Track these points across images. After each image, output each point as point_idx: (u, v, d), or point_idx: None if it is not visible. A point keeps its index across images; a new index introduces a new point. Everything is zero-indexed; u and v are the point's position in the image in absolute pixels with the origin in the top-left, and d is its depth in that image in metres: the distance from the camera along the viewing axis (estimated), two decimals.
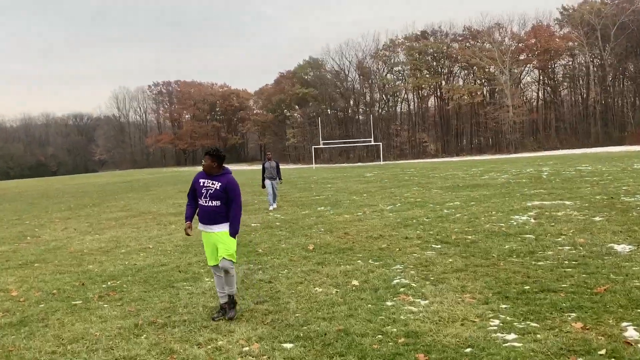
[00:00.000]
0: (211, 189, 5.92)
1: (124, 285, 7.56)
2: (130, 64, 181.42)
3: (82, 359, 4.84)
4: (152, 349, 4.98)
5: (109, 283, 7.79)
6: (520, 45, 73.77)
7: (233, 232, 5.94)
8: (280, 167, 17.31)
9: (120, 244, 11.45)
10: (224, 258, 5.85)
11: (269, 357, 4.59)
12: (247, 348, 4.84)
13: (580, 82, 75.15)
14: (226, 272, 5.92)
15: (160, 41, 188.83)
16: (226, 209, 5.96)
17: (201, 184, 6.02)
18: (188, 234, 6.23)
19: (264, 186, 16.53)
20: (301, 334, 5.09)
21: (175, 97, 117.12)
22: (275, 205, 16.24)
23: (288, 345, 4.84)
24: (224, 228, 5.93)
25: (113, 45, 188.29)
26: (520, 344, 4.51)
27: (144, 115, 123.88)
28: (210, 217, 5.93)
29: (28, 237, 13.58)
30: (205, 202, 5.95)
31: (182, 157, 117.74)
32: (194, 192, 6.15)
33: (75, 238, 12.87)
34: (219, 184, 5.94)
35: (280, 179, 16.77)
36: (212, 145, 6.71)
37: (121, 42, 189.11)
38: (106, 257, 9.89)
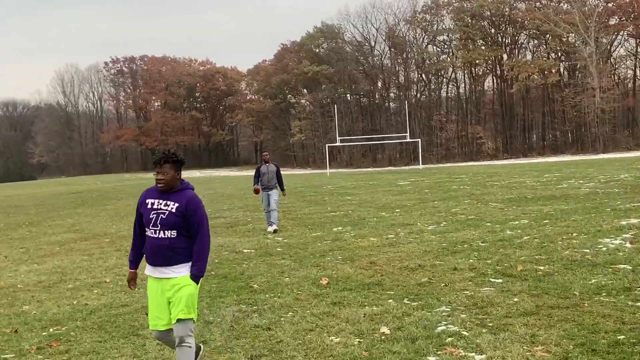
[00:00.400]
0: (164, 213, 5.31)
1: (71, 333, 7.57)
2: (81, 34, 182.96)
3: None
4: None
5: (50, 330, 7.81)
6: (610, 5, 73.24)
7: (197, 275, 5.39)
8: (283, 172, 16.66)
9: (66, 276, 11.48)
10: (179, 320, 5.24)
11: None
12: None
13: None
14: (180, 342, 5.27)
15: (120, 3, 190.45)
16: (187, 242, 5.36)
17: (149, 207, 5.41)
18: (131, 288, 5.78)
19: (257, 191, 15.83)
20: None
21: (141, 79, 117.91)
22: (275, 226, 15.47)
23: None
24: (183, 271, 5.33)
25: (55, 9, 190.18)
26: None
27: (98, 102, 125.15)
28: (163, 255, 5.31)
29: None
30: (155, 233, 5.32)
31: (149, 158, 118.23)
32: (141, 220, 5.52)
33: (5, 269, 12.95)
34: (175, 205, 5.33)
35: (282, 189, 15.93)
36: (163, 148, 5.53)
37: (66, 4, 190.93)
38: (47, 295, 9.93)
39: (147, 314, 8.17)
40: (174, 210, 5.26)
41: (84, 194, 41.81)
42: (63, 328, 7.86)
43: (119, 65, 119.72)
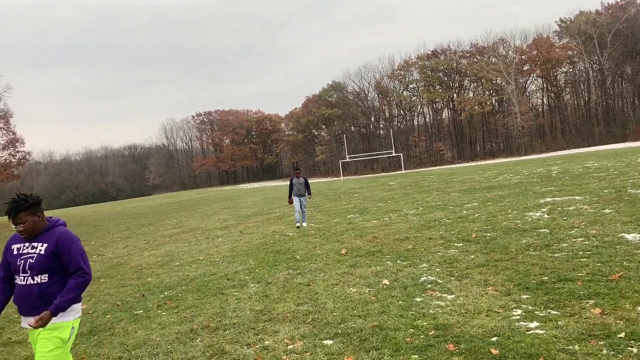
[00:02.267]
0: (32, 257, 3.46)
1: (179, 295, 7.60)
2: (175, 98, 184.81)
3: None
4: (206, 350, 4.98)
5: (165, 293, 7.85)
6: (523, 57, 72.63)
7: (56, 306, 3.35)
8: (310, 181, 15.94)
9: (174, 257, 11.56)
10: None
11: (311, 354, 4.54)
12: (291, 346, 4.80)
13: (582, 86, 73.56)
14: None
15: (197, 77, 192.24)
16: (62, 286, 3.49)
17: (15, 253, 3.53)
18: None
19: (291, 202, 14.60)
20: (339, 331, 5.03)
21: (216, 125, 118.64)
22: (304, 224, 14.29)
23: (328, 342, 4.78)
24: (58, 318, 3.42)
25: (156, 84, 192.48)
26: (543, 331, 4.36)
27: (189, 142, 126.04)
28: (31, 304, 3.45)
29: (94, 256, 13.83)
30: (24, 280, 3.46)
31: (224, 177, 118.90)
32: (8, 267, 3.58)
33: (135, 254, 13.05)
34: (44, 245, 3.49)
35: (309, 193, 14.68)
36: (18, 194, 3.50)
37: (163, 80, 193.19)
38: (162, 270, 9.99)
39: (228, 279, 8.19)
40: (42, 252, 3.47)
41: (182, 203, 42.11)
42: (173, 291, 7.89)
43: (201, 117, 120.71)
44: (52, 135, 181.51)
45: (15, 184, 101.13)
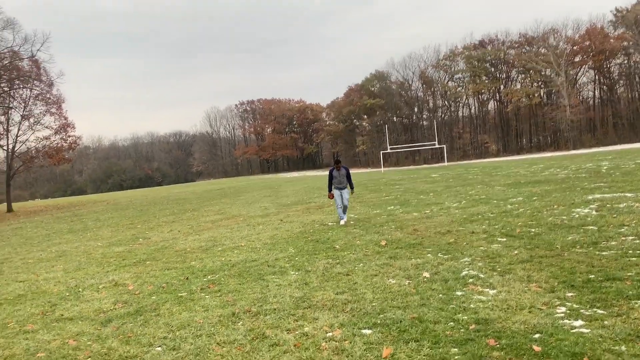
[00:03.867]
0: None
1: (221, 279, 7.79)
2: (219, 87, 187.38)
3: (188, 344, 5.02)
4: (247, 334, 5.10)
5: (209, 277, 8.05)
6: (574, 48, 70.07)
7: None
8: (351, 172, 13.68)
9: (217, 243, 11.81)
10: None
11: (350, 342, 4.59)
12: (330, 333, 4.86)
13: (637, 79, 70.45)
14: None
15: (240, 66, 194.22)
16: None
17: None
18: None
19: (331, 195, 13.04)
20: (378, 321, 5.06)
21: (258, 114, 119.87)
22: (345, 219, 12.80)
23: (367, 331, 4.82)
24: None
25: (201, 73, 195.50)
26: (588, 330, 4.27)
27: (232, 130, 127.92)
28: None
29: (140, 239, 14.28)
30: None
31: (265, 165, 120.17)
32: None
33: (179, 239, 13.41)
34: None
35: (352, 187, 13.15)
36: None
37: (207, 69, 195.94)
38: (206, 255, 10.24)
39: (269, 266, 8.34)
40: None
41: (224, 190, 42.85)
42: (216, 276, 8.09)
43: (244, 106, 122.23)
44: (100, 121, 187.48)
45: (66, 167, 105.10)
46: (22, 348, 5.47)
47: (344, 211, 12.90)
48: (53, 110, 45.78)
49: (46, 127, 46.13)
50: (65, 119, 46.65)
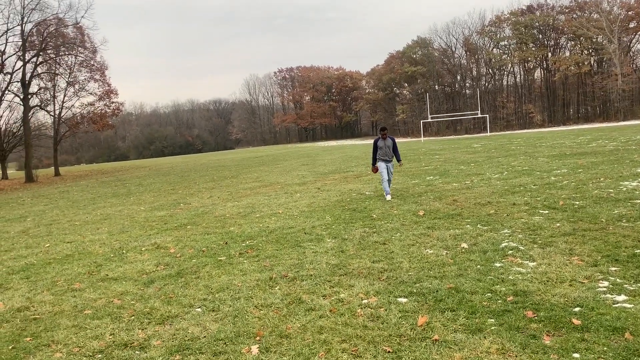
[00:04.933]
0: None
1: (259, 244, 7.94)
2: (259, 55, 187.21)
3: (227, 306, 5.17)
4: (284, 298, 5.21)
5: (247, 242, 8.22)
6: (630, 13, 66.39)
7: None
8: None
9: (255, 209, 12.00)
10: None
11: (385, 309, 4.63)
12: (366, 301, 4.92)
13: None
14: None
15: (279, 33, 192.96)
16: None
17: None
18: None
19: (375, 169, 11.92)
20: (414, 290, 5.07)
21: (297, 81, 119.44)
22: (390, 195, 11.65)
23: (403, 300, 4.85)
24: None
25: (240, 40, 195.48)
26: (632, 305, 4.17)
27: (271, 98, 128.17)
28: None
29: (181, 204, 14.65)
30: None
31: (303, 134, 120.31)
32: None
33: (218, 205, 13.68)
34: None
35: (398, 159, 11.99)
36: None
37: (246, 37, 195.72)
38: (244, 221, 10.43)
39: (305, 233, 8.44)
40: None
41: (263, 158, 43.25)
42: (254, 241, 8.25)
43: (283, 73, 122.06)
44: (142, 89, 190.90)
45: (110, 133, 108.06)
46: (71, 305, 5.76)
47: (389, 185, 11.86)
48: (97, 76, 46.88)
49: (90, 94, 47.39)
50: (109, 85, 47.74)
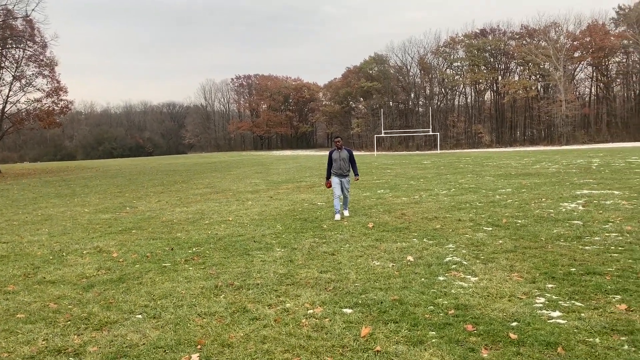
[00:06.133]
0: None
1: (206, 252, 7.80)
2: (216, 61, 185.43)
3: (169, 313, 5.04)
4: (229, 307, 5.13)
5: (194, 249, 8.06)
6: (575, 43, 70.03)
7: None
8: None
9: (204, 216, 11.81)
10: None
11: (330, 320, 4.63)
12: (311, 311, 4.90)
13: (634, 78, 70.64)
14: None
15: (239, 40, 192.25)
16: None
17: None
18: None
19: (328, 184, 10.75)
20: (360, 301, 5.10)
21: (254, 89, 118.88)
22: (346, 213, 10.67)
23: (348, 310, 4.86)
24: None
25: (198, 44, 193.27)
26: (565, 321, 4.33)
27: (227, 104, 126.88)
28: None
29: (127, 208, 14.24)
30: None
31: (259, 142, 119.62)
32: None
33: (166, 210, 13.38)
34: None
35: (356, 173, 10.84)
36: None
37: (205, 41, 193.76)
38: (192, 227, 10.23)
39: (255, 241, 8.36)
40: None
41: (216, 164, 42.70)
42: (201, 248, 8.10)
43: (240, 80, 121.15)
44: (93, 88, 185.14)
45: (57, 132, 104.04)
46: (2, 308, 5.46)
47: (345, 204, 10.78)
48: (46, 72, 45.11)
49: (38, 90, 45.50)
50: (58, 82, 46.02)
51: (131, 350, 4.17)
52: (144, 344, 4.29)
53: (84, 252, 8.25)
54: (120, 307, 5.28)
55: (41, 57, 44.70)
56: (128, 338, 4.42)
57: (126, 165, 50.66)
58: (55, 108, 46.17)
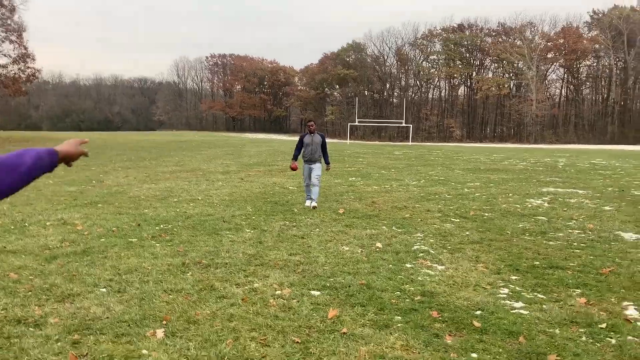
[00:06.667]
0: None
1: (174, 229, 7.71)
2: (192, 38, 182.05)
3: (134, 288, 4.96)
4: (196, 284, 5.09)
5: (161, 226, 7.95)
6: (549, 44, 71.48)
7: None
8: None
9: (173, 193, 11.65)
10: None
11: (298, 301, 4.64)
12: (279, 292, 4.90)
13: (603, 82, 72.68)
14: None
15: (220, 20, 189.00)
16: None
17: None
18: None
19: (294, 167, 10.20)
20: (328, 284, 5.13)
21: (229, 69, 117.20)
22: (315, 203, 9.73)
23: (316, 293, 4.88)
24: None
25: (174, 19, 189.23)
26: (527, 312, 4.45)
27: (200, 83, 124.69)
28: None
29: (94, 181, 13.94)
30: None
31: (231, 123, 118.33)
32: None
33: (134, 185, 13.15)
34: None
35: (327, 162, 10.27)
36: None
37: (181, 17, 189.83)
38: (160, 204, 10.09)
39: (224, 221, 8.29)
40: None
41: (186, 143, 42.13)
42: (169, 225, 8.00)
43: (215, 59, 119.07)
44: (63, 58, 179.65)
45: (22, 100, 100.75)
46: None
47: (314, 191, 9.83)
48: (13, 38, 43.59)
49: (4, 55, 43.98)
50: (25, 49, 44.57)
51: (94, 322, 4.10)
52: (107, 317, 4.22)
53: (47, 223, 8.05)
54: (84, 280, 5.17)
55: (8, 22, 43.16)
56: (91, 311, 4.34)
57: (94, 139, 49.50)
58: (22, 75, 44.79)
